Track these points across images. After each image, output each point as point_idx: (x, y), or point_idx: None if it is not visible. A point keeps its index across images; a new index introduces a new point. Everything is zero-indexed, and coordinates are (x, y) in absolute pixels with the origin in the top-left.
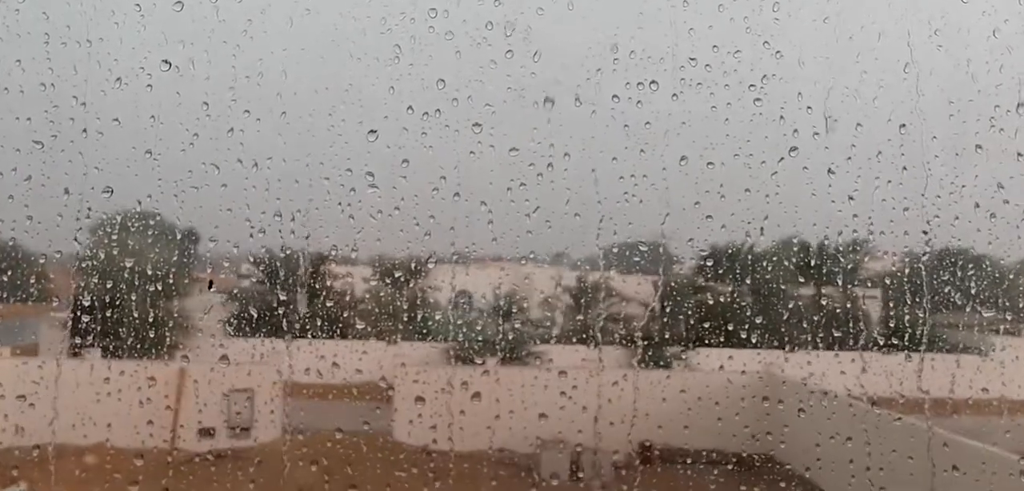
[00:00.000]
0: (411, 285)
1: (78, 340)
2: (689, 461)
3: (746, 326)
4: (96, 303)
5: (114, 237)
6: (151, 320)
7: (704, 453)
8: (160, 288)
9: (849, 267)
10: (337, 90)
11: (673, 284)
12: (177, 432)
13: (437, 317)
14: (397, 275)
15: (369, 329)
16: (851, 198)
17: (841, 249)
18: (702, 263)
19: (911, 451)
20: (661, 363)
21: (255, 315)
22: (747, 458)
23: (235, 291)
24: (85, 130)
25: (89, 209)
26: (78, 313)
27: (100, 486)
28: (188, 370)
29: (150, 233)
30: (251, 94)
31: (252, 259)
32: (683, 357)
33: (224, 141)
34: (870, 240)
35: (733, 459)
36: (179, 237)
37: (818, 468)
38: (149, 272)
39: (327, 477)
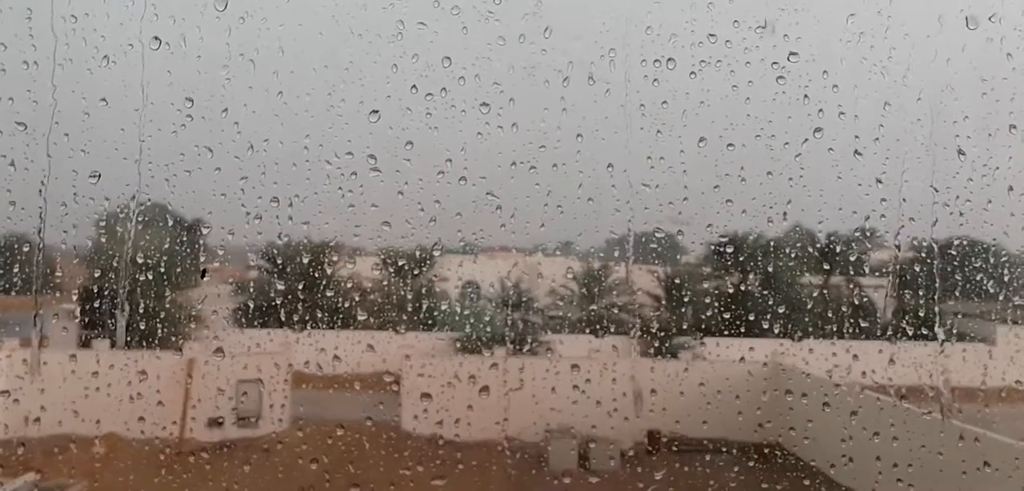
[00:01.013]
0: (417, 274)
1: (65, 333)
2: (707, 455)
3: (767, 316)
4: (84, 294)
5: (102, 224)
6: (142, 311)
7: (723, 447)
8: (151, 278)
9: (874, 253)
10: (337, 68)
11: (689, 273)
12: (186, 423)
13: (444, 307)
14: (401, 264)
15: (373, 320)
16: (879, 181)
17: (866, 235)
18: (721, 250)
19: (940, 446)
20: (675, 354)
21: (252, 306)
22: (768, 453)
23: (230, 280)
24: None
25: (75, 194)
26: (69, 306)
27: (108, 475)
28: (194, 361)
29: (141, 219)
30: (246, 73)
31: (248, 247)
32: (700, 347)
33: (218, 122)
34: (901, 225)
35: (754, 455)
36: (171, 223)
37: (843, 466)
38: (140, 261)
39: (334, 469)
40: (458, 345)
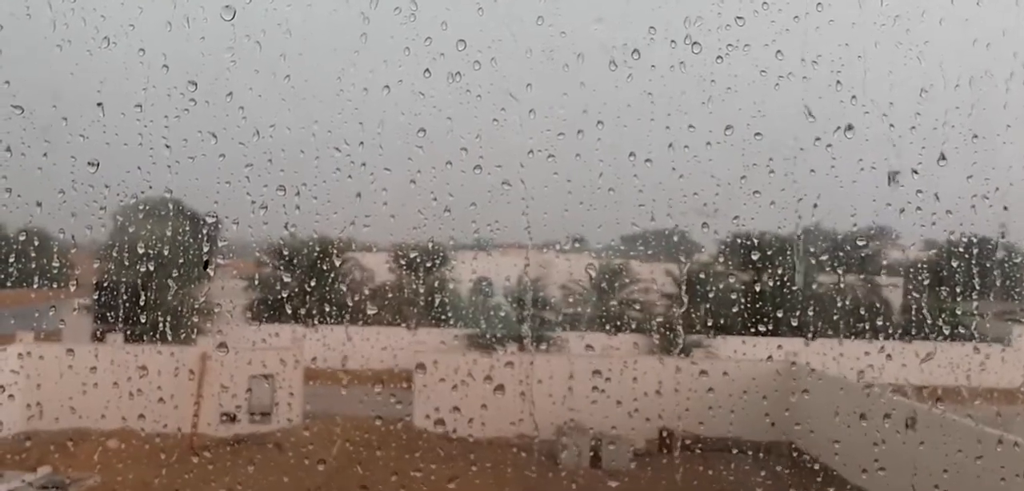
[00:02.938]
0: (430, 269)
1: (62, 326)
2: (728, 458)
3: (795, 314)
4: (83, 288)
5: (101, 212)
6: (142, 305)
7: (748, 449)
8: (152, 270)
9: (908, 250)
10: (346, 52)
11: (711, 270)
12: (199, 418)
13: (457, 304)
14: (413, 257)
15: (384, 316)
16: (915, 172)
17: (890, 231)
18: (744, 246)
19: (979, 452)
20: (689, 353)
21: (259, 301)
22: (796, 458)
23: (235, 273)
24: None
25: (73, 183)
26: (68, 299)
27: (120, 469)
28: (206, 357)
29: (142, 210)
30: (252, 56)
31: (254, 240)
32: (722, 346)
33: (222, 108)
34: (933, 218)
35: (781, 458)
36: (172, 213)
37: (877, 472)
38: (142, 252)
39: (344, 466)
40: (471, 342)
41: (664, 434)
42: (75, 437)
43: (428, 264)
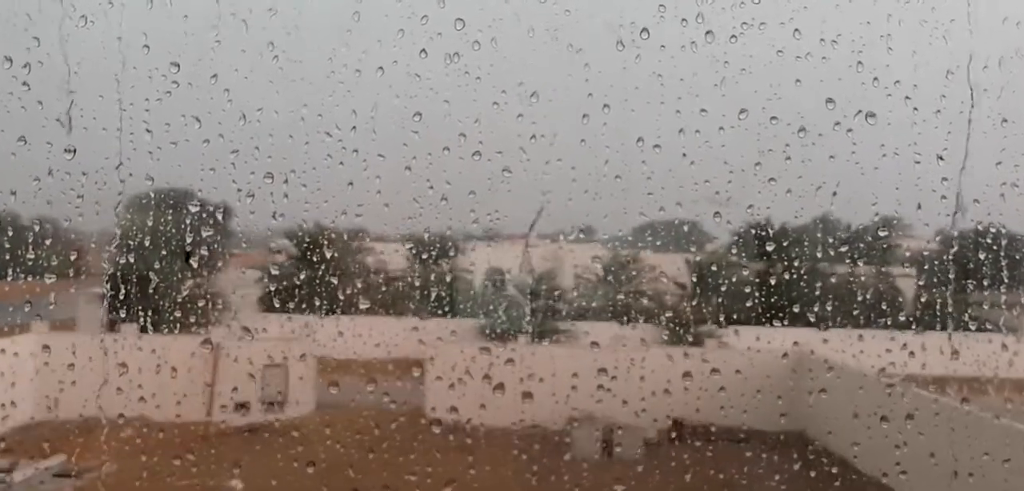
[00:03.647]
0: (426, 260)
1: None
2: (743, 454)
3: (813, 306)
4: (64, 279)
5: (79, 198)
6: (138, 296)
7: (764, 449)
8: (132, 262)
9: (931, 241)
10: (337, 30)
11: (727, 261)
12: (212, 407)
13: (461, 295)
14: (410, 248)
15: (392, 306)
16: (941, 158)
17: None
18: (759, 235)
19: (1009, 454)
20: (701, 343)
21: (268, 290)
22: (816, 460)
23: (219, 265)
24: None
25: (50, 170)
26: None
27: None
28: (218, 347)
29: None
30: (238, 35)
31: (241, 231)
32: (735, 338)
33: (207, 90)
34: (961, 207)
35: (798, 455)
36: (153, 198)
37: (899, 475)
38: (138, 243)
39: (354, 456)
40: (477, 332)
41: (675, 423)
42: (84, 428)
43: (434, 255)
